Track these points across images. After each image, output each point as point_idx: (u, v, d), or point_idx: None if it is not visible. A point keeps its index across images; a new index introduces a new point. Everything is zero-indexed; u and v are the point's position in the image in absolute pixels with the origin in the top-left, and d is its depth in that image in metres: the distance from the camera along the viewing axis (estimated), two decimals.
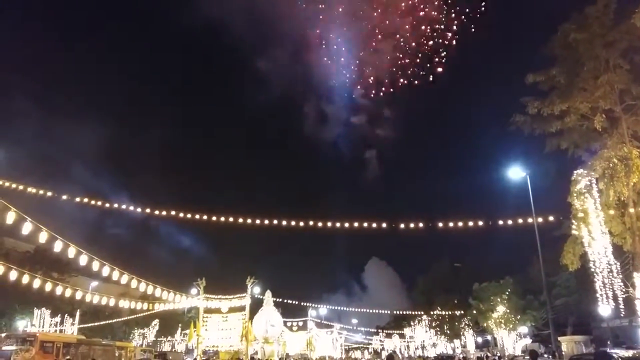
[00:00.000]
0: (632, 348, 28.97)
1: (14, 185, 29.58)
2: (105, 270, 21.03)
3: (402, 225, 29.88)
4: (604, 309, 25.79)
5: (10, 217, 15.31)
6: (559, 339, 41.89)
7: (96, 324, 51.38)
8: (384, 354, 62.62)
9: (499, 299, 55.50)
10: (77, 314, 48.87)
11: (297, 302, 54.18)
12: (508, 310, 55.07)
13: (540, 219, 29.20)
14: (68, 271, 47.92)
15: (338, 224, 30.36)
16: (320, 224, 30.23)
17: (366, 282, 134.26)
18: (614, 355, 22.07)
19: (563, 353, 37.79)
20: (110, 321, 53.50)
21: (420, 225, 29.90)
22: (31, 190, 30.04)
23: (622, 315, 30.71)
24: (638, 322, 29.50)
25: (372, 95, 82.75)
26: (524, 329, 56.33)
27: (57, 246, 17.57)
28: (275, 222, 30.76)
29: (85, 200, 31.71)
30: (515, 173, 31.07)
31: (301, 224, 30.60)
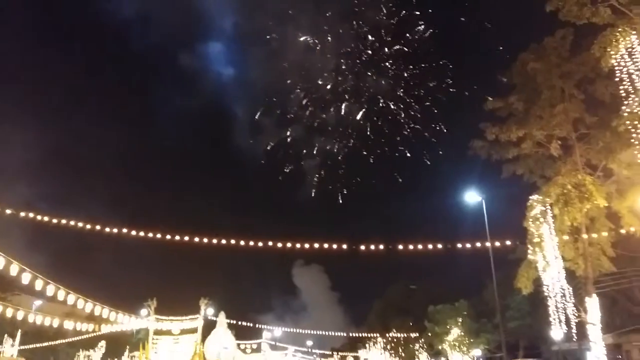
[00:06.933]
0: None
1: None
2: (50, 289, 19.78)
3: (362, 247, 29.56)
4: (556, 333, 26.12)
5: None
6: None
7: (38, 345, 48.62)
8: None
9: (453, 322, 55.86)
10: (18, 334, 46.16)
11: (251, 324, 52.73)
12: (462, 333, 55.43)
13: (497, 243, 29.52)
14: (10, 289, 45.43)
15: (298, 245, 29.78)
16: (279, 245, 29.55)
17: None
18: None
19: None
20: (53, 342, 50.74)
21: (381, 247, 29.70)
22: None
23: (573, 339, 31.30)
24: (588, 346, 30.08)
25: None
26: (477, 352, 56.69)
27: None
28: (232, 241, 29.87)
29: (31, 215, 29.89)
30: (472, 197, 31.58)
31: (259, 244, 29.85)
